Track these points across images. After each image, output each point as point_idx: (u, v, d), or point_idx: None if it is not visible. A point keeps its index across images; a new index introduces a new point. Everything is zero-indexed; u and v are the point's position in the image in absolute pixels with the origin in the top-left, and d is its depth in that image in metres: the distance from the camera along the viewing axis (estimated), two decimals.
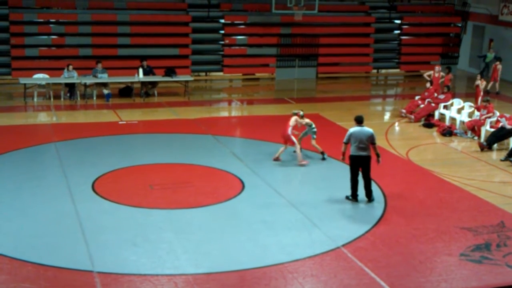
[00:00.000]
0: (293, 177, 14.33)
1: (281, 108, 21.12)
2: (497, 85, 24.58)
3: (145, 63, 21.98)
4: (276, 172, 14.39)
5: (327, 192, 13.29)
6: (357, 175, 12.66)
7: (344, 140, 12.63)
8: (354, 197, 12.77)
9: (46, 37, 24.55)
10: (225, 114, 21.61)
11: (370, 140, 12.44)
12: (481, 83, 20.94)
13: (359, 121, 12.55)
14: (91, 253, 10.19)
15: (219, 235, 11.09)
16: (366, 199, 12.77)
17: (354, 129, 12.51)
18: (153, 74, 22.19)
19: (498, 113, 17.82)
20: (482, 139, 17.37)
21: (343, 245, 10.73)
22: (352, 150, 12.51)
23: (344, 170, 14.46)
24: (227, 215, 12.03)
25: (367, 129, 12.51)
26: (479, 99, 20.31)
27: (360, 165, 12.55)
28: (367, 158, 12.50)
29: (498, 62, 24.46)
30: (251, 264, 9.99)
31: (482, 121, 17.76)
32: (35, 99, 21.02)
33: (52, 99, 21.00)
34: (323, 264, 10.11)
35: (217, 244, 10.70)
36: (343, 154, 12.78)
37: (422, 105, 19.97)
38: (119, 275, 9.56)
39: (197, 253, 10.35)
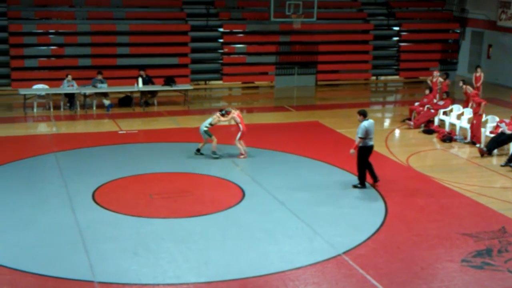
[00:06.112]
0: (293, 184, 14.30)
1: (281, 116, 21.15)
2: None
3: (143, 72, 21.98)
4: (277, 180, 14.38)
5: (327, 200, 13.27)
6: (367, 164, 13.84)
7: (362, 135, 13.50)
8: (363, 184, 13.88)
9: (45, 47, 24.59)
10: (225, 122, 21.58)
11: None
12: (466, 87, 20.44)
13: (366, 114, 13.71)
14: (91, 263, 10.17)
15: (220, 243, 11.07)
16: (374, 183, 13.97)
17: (367, 123, 13.58)
18: (152, 83, 22.22)
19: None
20: (482, 145, 17.36)
21: (344, 253, 10.71)
22: (366, 142, 13.64)
23: (344, 177, 14.47)
24: (228, 223, 12.01)
25: (372, 120, 13.80)
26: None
27: (370, 153, 13.82)
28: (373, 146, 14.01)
29: (479, 69, 23.33)
30: (252, 273, 9.97)
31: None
32: (35, 110, 21.05)
33: (52, 110, 21.03)
34: (324, 272, 10.09)
35: (218, 253, 10.68)
36: (356, 148, 13.75)
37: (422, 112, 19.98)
38: (120, 285, 9.54)
39: (198, 262, 10.33)
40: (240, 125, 15.84)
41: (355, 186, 13.89)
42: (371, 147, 13.80)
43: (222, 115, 15.90)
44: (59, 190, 13.47)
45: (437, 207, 13.01)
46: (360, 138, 13.55)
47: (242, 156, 15.86)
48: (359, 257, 10.58)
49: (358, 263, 10.33)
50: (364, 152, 13.73)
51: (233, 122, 16.24)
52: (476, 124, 17.87)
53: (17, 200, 12.87)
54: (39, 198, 13.06)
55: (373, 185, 13.96)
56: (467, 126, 18.30)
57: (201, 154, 16.00)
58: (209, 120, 15.93)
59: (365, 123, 13.55)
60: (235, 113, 15.92)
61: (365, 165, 13.83)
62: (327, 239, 11.24)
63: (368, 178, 13.96)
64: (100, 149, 16.73)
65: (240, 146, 15.88)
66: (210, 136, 15.79)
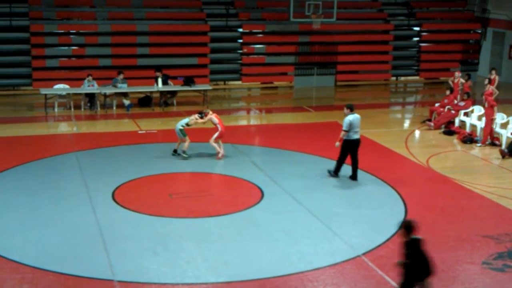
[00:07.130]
0: (312, 185, 14.28)
1: (300, 117, 21.12)
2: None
3: (159, 73, 21.96)
4: (295, 181, 14.36)
5: (346, 200, 13.25)
6: (347, 157, 14.22)
7: (346, 128, 13.91)
8: (337, 173, 14.40)
9: (66, 48, 24.80)
10: (244, 122, 21.64)
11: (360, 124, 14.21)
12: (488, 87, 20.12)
13: (352, 108, 14.06)
14: (111, 262, 10.23)
15: (239, 243, 11.09)
16: (351, 179, 14.31)
17: (352, 116, 13.93)
18: (171, 79, 22.28)
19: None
20: (503, 146, 17.21)
21: (364, 254, 10.68)
22: (350, 135, 14.00)
23: (362, 178, 14.42)
24: (247, 223, 12.03)
25: (357, 115, 14.06)
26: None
27: (355, 147, 14.12)
28: (360, 141, 14.22)
29: (493, 72, 21.65)
30: (271, 273, 9.97)
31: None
32: (56, 109, 21.24)
33: (72, 109, 21.19)
34: (343, 273, 10.07)
35: (237, 253, 10.70)
36: (340, 140, 14.07)
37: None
38: (139, 284, 9.59)
39: (217, 262, 10.35)
40: (219, 126, 15.88)
41: (329, 172, 14.43)
42: (356, 140, 14.08)
43: (201, 117, 16.00)
44: (80, 189, 13.58)
45: (457, 209, 12.91)
46: (344, 131, 13.91)
47: (219, 155, 15.88)
48: (378, 258, 10.54)
49: (377, 264, 10.29)
50: (347, 145, 14.06)
51: (211, 124, 16.20)
52: (486, 123, 17.71)
53: (38, 199, 12.99)
54: (59, 197, 13.17)
55: (350, 178, 14.38)
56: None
57: (178, 154, 16.01)
58: (185, 120, 16.00)
59: (350, 117, 13.88)
60: (212, 115, 15.98)
61: (344, 157, 14.19)
62: (346, 240, 11.21)
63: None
64: (120, 148, 16.84)
65: (216, 146, 15.90)
66: (184, 136, 15.83)
